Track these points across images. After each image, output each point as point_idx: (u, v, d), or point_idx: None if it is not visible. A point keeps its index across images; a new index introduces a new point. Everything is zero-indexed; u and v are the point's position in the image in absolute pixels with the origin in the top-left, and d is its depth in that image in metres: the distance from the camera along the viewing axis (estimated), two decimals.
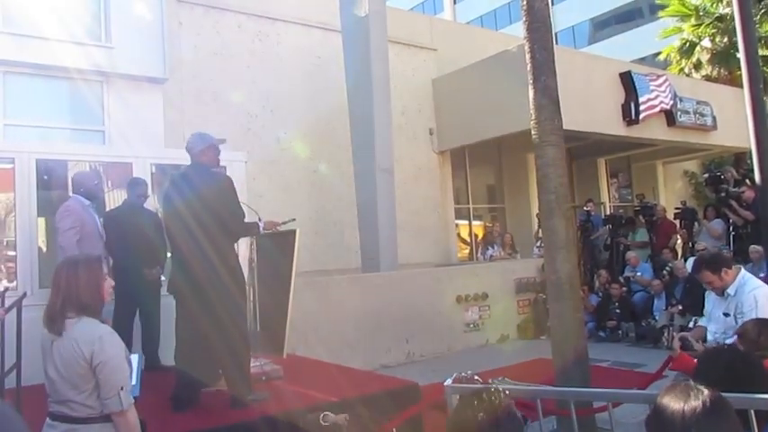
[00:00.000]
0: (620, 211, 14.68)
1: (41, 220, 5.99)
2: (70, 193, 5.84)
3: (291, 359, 5.47)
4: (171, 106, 9.77)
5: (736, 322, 3.97)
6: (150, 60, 9.36)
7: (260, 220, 4.84)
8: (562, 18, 35.19)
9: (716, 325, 4.28)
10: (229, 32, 10.86)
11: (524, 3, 5.17)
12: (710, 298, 4.41)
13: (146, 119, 9.14)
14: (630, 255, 10.56)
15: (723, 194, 9.54)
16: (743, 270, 4.24)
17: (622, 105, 12.44)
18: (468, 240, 14.34)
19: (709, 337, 4.30)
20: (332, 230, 11.29)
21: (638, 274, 10.13)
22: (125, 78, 9.15)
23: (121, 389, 2.55)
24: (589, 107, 11.60)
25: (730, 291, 4.11)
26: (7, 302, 4.86)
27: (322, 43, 11.70)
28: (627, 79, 12.48)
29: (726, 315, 4.16)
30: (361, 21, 9.87)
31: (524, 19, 5.19)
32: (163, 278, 5.78)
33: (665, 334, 8.26)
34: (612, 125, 12.35)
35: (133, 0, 9.22)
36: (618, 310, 9.70)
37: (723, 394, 1.55)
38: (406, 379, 5.34)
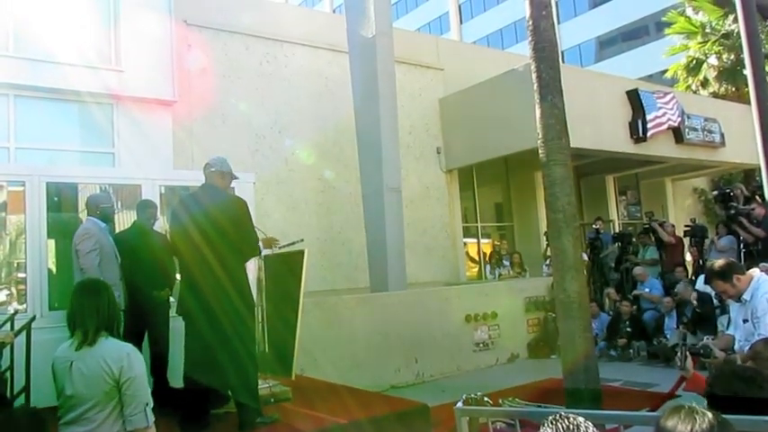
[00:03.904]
0: (629, 228, 14.59)
1: (51, 243, 6.01)
2: (80, 215, 5.86)
3: (300, 380, 5.45)
4: (180, 128, 9.86)
5: (755, 328, 3.93)
6: (159, 83, 9.48)
7: (262, 235, 4.85)
8: (568, 37, 35.35)
9: (740, 332, 4.23)
10: (238, 54, 10.98)
11: (530, 23, 5.21)
12: (733, 306, 4.38)
13: (155, 141, 9.23)
14: (638, 270, 10.45)
15: (732, 212, 9.46)
16: (758, 274, 4.15)
17: (630, 123, 12.45)
18: (477, 259, 14.29)
19: (736, 346, 4.26)
20: (340, 250, 11.28)
21: (647, 290, 10.04)
22: (135, 101, 9.26)
23: (146, 405, 2.59)
24: (596, 125, 11.60)
25: (746, 296, 4.05)
26: (17, 325, 4.88)
27: (329, 64, 11.81)
28: (634, 97, 12.51)
29: (745, 321, 4.11)
30: (368, 41, 9.95)
31: (530, 39, 5.23)
32: (172, 299, 5.78)
33: (678, 353, 8.13)
34: (620, 143, 12.35)
35: (143, 23, 9.36)
36: (629, 329, 9.59)
37: (733, 416, 1.52)
38: (415, 400, 5.30)
